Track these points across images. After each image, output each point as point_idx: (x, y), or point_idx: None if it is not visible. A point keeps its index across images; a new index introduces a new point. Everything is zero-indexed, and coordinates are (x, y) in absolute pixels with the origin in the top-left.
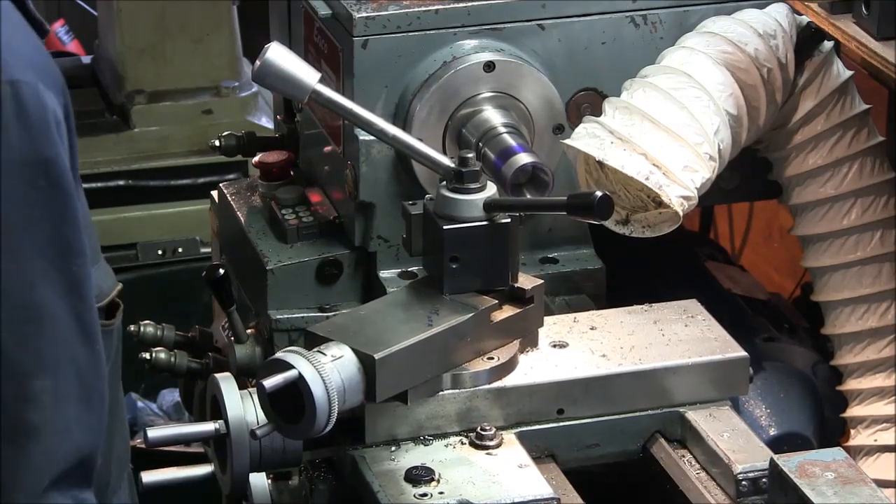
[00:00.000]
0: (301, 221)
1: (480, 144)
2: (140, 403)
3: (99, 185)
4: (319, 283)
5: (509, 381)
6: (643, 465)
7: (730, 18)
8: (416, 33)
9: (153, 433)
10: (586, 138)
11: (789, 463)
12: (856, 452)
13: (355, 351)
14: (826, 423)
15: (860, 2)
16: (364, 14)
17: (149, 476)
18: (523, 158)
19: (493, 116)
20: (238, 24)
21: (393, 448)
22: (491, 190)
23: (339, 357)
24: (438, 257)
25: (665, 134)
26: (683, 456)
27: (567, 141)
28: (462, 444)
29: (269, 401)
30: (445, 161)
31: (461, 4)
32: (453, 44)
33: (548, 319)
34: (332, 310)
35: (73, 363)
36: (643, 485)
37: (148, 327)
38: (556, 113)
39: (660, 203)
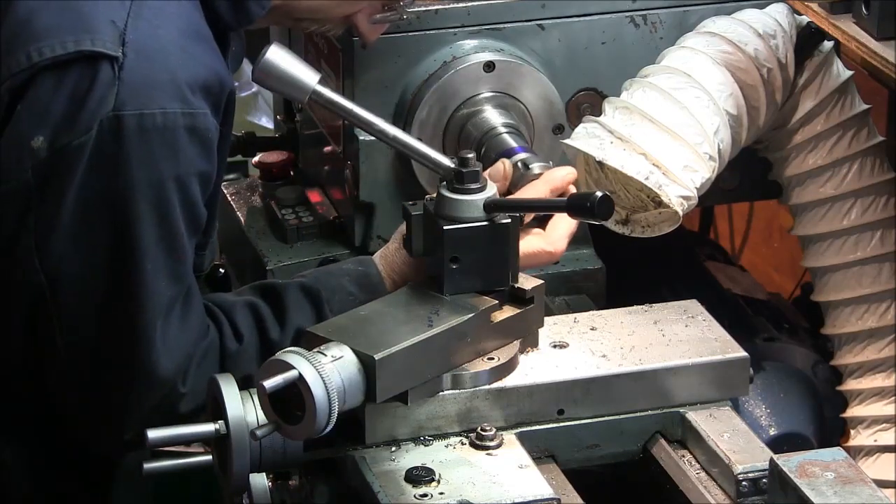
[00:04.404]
0: (301, 221)
1: (481, 144)
2: None
3: None
4: None
5: (509, 381)
6: (643, 465)
7: (730, 18)
8: (416, 33)
9: (153, 433)
10: (586, 138)
11: (789, 463)
12: (856, 452)
13: (355, 351)
14: (826, 423)
15: (860, 2)
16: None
17: (150, 464)
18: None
19: (493, 116)
20: None
21: (393, 448)
22: (491, 190)
23: (340, 357)
24: (439, 258)
25: (665, 134)
26: (683, 456)
27: (567, 141)
28: (462, 444)
29: (270, 401)
30: (445, 161)
31: (461, 4)
32: (453, 44)
33: (548, 320)
34: None
35: None
36: (643, 485)
37: None
38: (556, 113)
39: (659, 203)
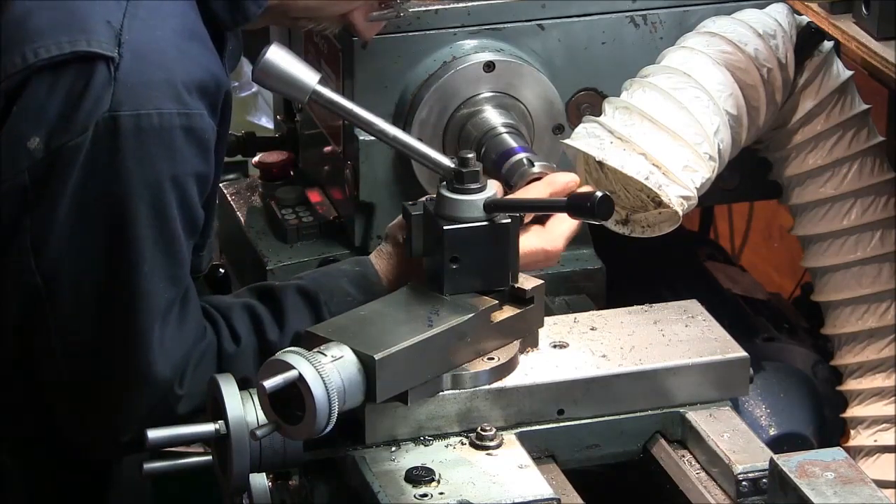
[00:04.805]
0: (301, 221)
1: (481, 144)
2: None
3: None
4: None
5: (509, 381)
6: (643, 465)
7: (730, 18)
8: (416, 33)
9: (153, 433)
10: (586, 138)
11: (789, 463)
12: (856, 452)
13: (355, 351)
14: (826, 423)
15: (860, 2)
16: None
17: (150, 464)
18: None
19: (493, 116)
20: None
21: (393, 448)
22: (491, 190)
23: (340, 357)
24: (438, 258)
25: (665, 134)
26: (683, 456)
27: (567, 141)
28: (462, 444)
29: (270, 401)
30: (445, 161)
31: (461, 4)
32: (453, 44)
33: (548, 320)
34: None
35: None
36: (643, 485)
37: None
38: (556, 113)
39: (659, 203)
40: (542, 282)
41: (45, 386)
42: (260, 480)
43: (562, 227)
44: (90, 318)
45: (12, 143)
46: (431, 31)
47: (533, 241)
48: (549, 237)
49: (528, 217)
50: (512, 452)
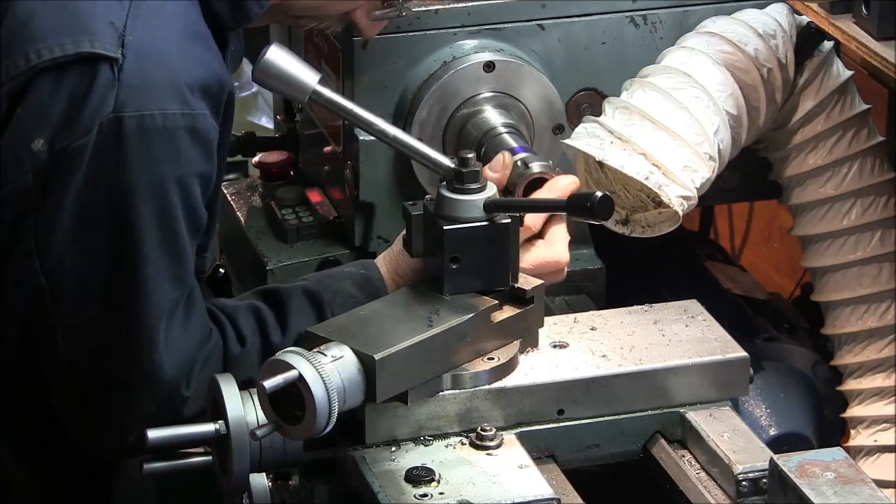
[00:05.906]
0: (301, 221)
1: (481, 144)
2: None
3: None
4: None
5: (510, 381)
6: (643, 465)
7: (730, 18)
8: (416, 33)
9: (153, 434)
10: (586, 138)
11: (789, 463)
12: (856, 452)
13: (355, 351)
14: (826, 423)
15: (860, 2)
16: None
17: (150, 464)
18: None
19: (493, 116)
20: None
21: (393, 448)
22: (491, 190)
23: (340, 357)
24: (439, 258)
25: (665, 134)
26: (683, 456)
27: (567, 141)
28: (462, 444)
29: (270, 401)
30: (446, 161)
31: (461, 4)
32: (453, 44)
33: (548, 320)
34: None
35: None
36: (643, 485)
37: None
38: (556, 113)
39: (659, 203)
40: (542, 282)
41: (50, 387)
42: (260, 480)
43: (561, 234)
44: (95, 319)
45: (16, 145)
46: (431, 31)
47: (540, 253)
48: (554, 249)
49: (528, 233)
50: (512, 452)
